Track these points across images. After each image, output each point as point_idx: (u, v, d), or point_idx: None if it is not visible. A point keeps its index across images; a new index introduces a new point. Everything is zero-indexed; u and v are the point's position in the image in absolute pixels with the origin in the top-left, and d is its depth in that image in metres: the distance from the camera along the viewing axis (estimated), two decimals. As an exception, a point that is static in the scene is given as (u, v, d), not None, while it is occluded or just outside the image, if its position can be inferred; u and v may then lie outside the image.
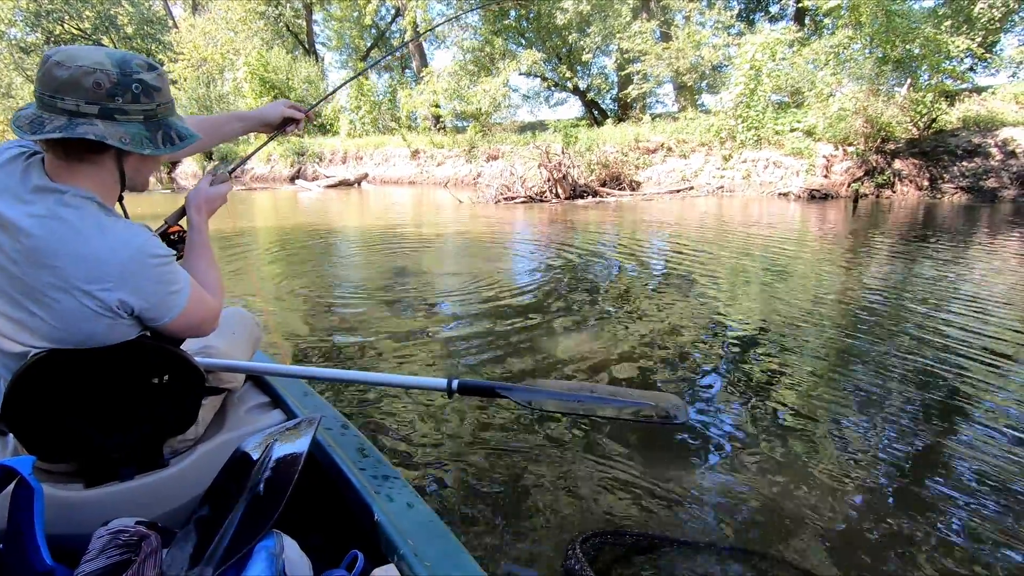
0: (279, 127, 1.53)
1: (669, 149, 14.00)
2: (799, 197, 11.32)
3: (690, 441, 2.12)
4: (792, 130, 12.28)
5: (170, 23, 36.31)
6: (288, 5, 27.03)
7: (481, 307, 3.91)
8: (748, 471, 1.91)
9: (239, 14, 26.20)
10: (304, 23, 28.86)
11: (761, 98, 12.62)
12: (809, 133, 12.08)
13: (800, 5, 14.45)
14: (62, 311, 0.94)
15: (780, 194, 11.69)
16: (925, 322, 3.44)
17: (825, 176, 11.73)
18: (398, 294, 4.27)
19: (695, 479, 1.87)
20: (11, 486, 0.84)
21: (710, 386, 2.63)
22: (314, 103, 1.71)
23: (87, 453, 1.07)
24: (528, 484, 1.85)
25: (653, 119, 15.90)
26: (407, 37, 23.23)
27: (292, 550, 0.88)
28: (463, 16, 20.76)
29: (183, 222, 1.29)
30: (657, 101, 21.00)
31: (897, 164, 11.55)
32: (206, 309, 1.10)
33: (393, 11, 26.62)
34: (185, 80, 27.43)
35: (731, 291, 4.33)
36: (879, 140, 11.47)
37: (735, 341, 3.19)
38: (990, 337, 3.14)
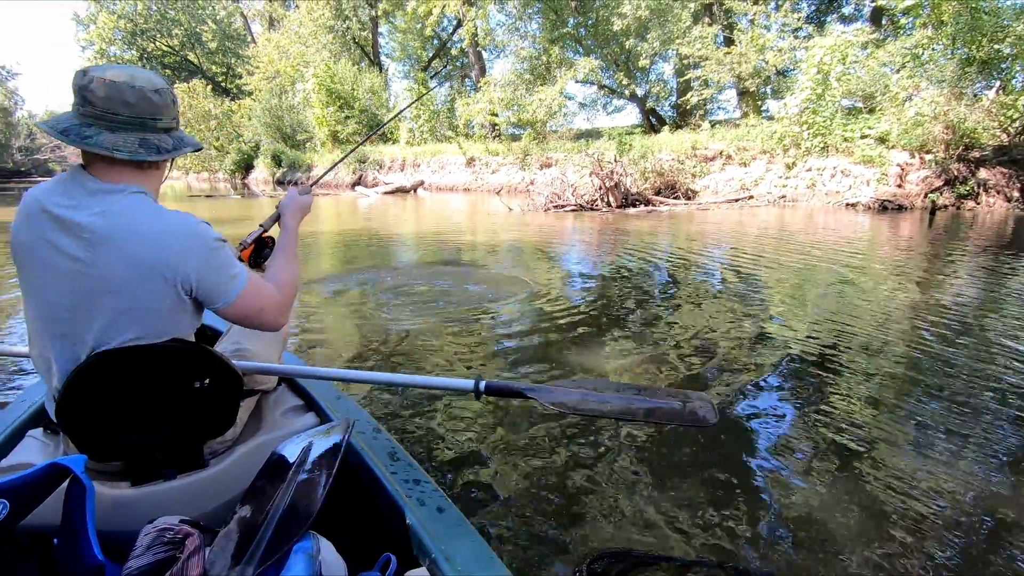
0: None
1: (728, 157, 13.55)
2: (869, 208, 10.65)
3: (729, 457, 2.01)
4: (863, 137, 11.60)
5: (249, 38, 38.72)
6: (355, 19, 28.17)
7: (518, 312, 3.89)
8: (787, 495, 1.79)
9: (310, 28, 27.54)
10: (370, 35, 30.01)
11: (829, 103, 12.00)
12: (882, 140, 11.37)
13: (876, 4, 13.67)
14: (131, 295, 1.00)
15: (848, 204, 11.05)
16: (1010, 347, 3.11)
17: (899, 185, 10.99)
18: (435, 298, 4.32)
19: (728, 498, 1.78)
20: (65, 483, 0.89)
21: (758, 401, 2.49)
22: (340, 157, 1.87)
23: (133, 453, 1.11)
24: (554, 492, 1.82)
25: (713, 126, 15.45)
26: (466, 47, 23.69)
27: (328, 551, 0.90)
28: (523, 26, 20.94)
29: (274, 230, 1.44)
30: (719, 107, 20.44)
31: (982, 173, 10.66)
32: (265, 298, 1.15)
33: (455, 22, 27.26)
34: (260, 91, 29.12)
35: (791, 305, 4.09)
36: (961, 147, 10.64)
37: (791, 356, 3.00)
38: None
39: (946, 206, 10.49)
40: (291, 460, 1.04)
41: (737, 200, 12.28)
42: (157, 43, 39.27)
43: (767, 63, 14.82)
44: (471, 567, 0.91)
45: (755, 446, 2.11)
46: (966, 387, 2.59)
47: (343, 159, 1.95)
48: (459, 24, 24.51)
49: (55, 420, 1.08)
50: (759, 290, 4.50)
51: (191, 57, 40.66)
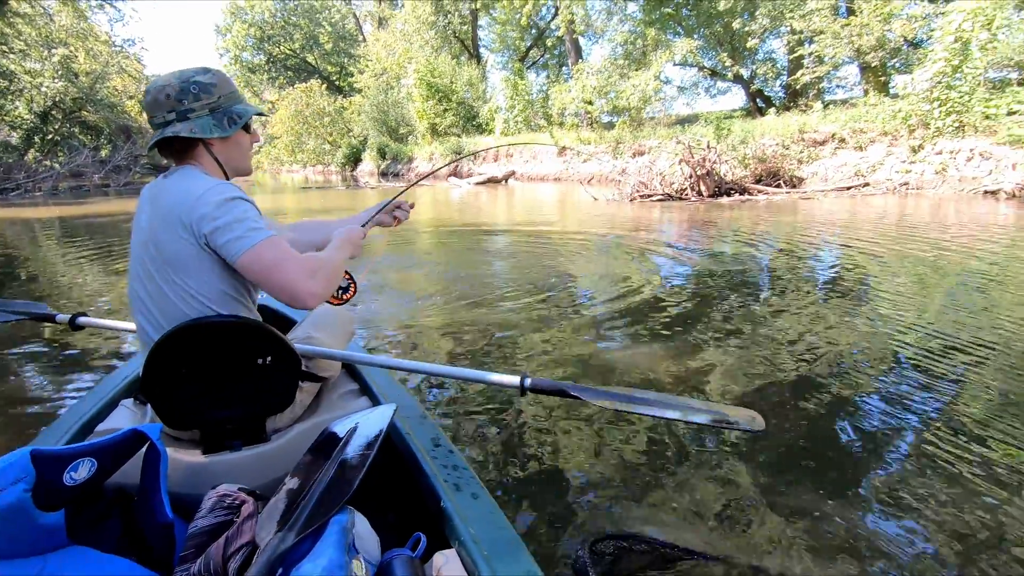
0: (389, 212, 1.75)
1: (842, 140, 12.33)
2: (1013, 196, 9.24)
3: (769, 469, 1.92)
4: (1010, 113, 10.03)
5: (360, 38, 41.10)
6: (456, 13, 28.88)
7: (575, 311, 3.86)
8: (821, 518, 1.69)
9: (414, 26, 28.67)
10: (469, 29, 30.65)
11: (969, 76, 10.49)
12: (1035, 116, 9.77)
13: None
14: (164, 243, 1.16)
15: (986, 192, 9.65)
16: None
17: (1055, 169, 9.40)
18: (494, 292, 4.38)
19: (756, 506, 1.72)
20: (143, 448, 1.03)
21: (830, 417, 2.30)
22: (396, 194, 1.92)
23: (206, 424, 1.23)
24: (583, 481, 1.88)
25: (826, 106, 14.12)
26: (562, 35, 23.47)
27: (363, 526, 0.96)
28: (621, 9, 20.36)
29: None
30: (837, 85, 18.60)
31: None
32: (283, 255, 1.14)
33: (553, 10, 27.06)
34: (368, 89, 30.88)
35: (905, 314, 3.58)
36: None
37: (901, 374, 2.68)
38: None
39: (1118, 193, 8.83)
40: (338, 438, 1.13)
41: (849, 188, 11.17)
42: (281, 47, 42.91)
43: (894, 34, 13.24)
44: (498, 552, 0.95)
45: (803, 465, 1.98)
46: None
47: (378, 211, 1.75)
48: (557, 12, 24.32)
49: (141, 390, 1.24)
50: (864, 297, 4.05)
51: (309, 59, 44.00)
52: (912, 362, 2.79)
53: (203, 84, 1.22)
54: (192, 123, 1.20)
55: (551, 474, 1.93)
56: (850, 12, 14.57)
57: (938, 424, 2.19)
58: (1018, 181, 9.40)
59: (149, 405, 1.37)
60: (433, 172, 2.31)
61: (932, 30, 12.37)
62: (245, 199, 1.17)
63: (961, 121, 10.54)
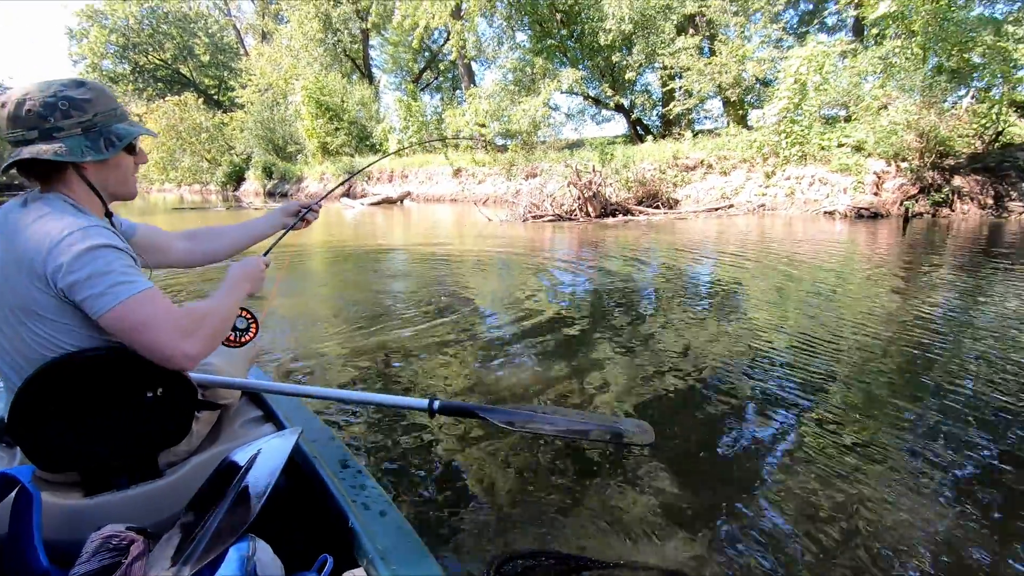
0: (296, 215, 1.65)
1: (709, 166, 13.67)
2: (846, 216, 10.76)
3: (664, 476, 2.05)
4: (839, 145, 11.74)
5: (241, 51, 38.93)
6: (346, 32, 28.38)
7: (469, 333, 3.91)
8: (718, 507, 1.85)
9: (301, 42, 27.73)
10: (361, 48, 30.22)
11: (807, 113, 12.14)
12: (858, 148, 11.51)
13: (858, 15, 13.86)
14: (15, 290, 1.00)
15: (825, 212, 11.16)
16: (991, 358, 3.06)
17: (875, 193, 11.11)
18: (395, 314, 4.34)
19: (653, 512, 1.83)
20: (12, 494, 0.92)
21: (710, 418, 2.53)
22: (322, 196, 1.81)
23: (84, 462, 1.12)
24: (491, 499, 1.91)
25: (695, 135, 15.59)
26: (453, 59, 23.90)
27: (265, 553, 0.92)
28: (510, 38, 21.15)
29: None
30: (705, 117, 20.62)
31: (957, 181, 10.79)
32: (155, 312, 1.01)
33: (446, 34, 27.48)
34: (252, 104, 29.27)
35: (763, 320, 4.03)
36: (935, 155, 10.76)
37: (755, 372, 2.99)
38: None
39: (921, 214, 10.60)
40: (239, 467, 1.07)
41: (717, 209, 12.38)
42: (149, 57, 39.51)
43: (747, 73, 14.99)
44: (406, 567, 0.96)
45: (694, 466, 2.13)
46: (946, 404, 2.58)
47: (288, 231, 1.66)
48: (449, 36, 24.73)
49: (7, 431, 1.09)
50: (735, 305, 4.53)
51: (183, 70, 40.91)
52: (776, 361, 3.15)
53: (75, 100, 1.06)
54: (59, 144, 1.04)
55: (461, 492, 1.95)
56: (712, 52, 16.30)
57: (807, 417, 2.49)
58: (848, 203, 10.98)
59: (18, 448, 1.23)
60: (330, 192, 2.28)
61: (778, 71, 14.18)
62: (111, 246, 1.02)
63: (803, 151, 12.14)
